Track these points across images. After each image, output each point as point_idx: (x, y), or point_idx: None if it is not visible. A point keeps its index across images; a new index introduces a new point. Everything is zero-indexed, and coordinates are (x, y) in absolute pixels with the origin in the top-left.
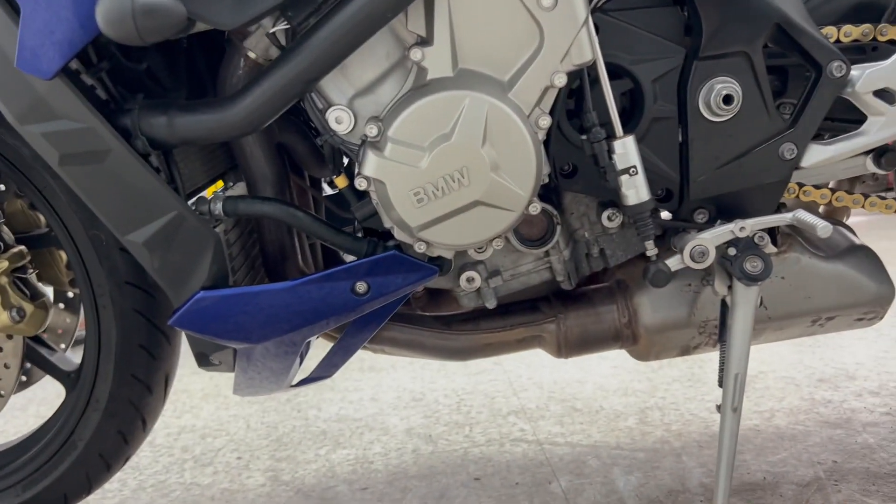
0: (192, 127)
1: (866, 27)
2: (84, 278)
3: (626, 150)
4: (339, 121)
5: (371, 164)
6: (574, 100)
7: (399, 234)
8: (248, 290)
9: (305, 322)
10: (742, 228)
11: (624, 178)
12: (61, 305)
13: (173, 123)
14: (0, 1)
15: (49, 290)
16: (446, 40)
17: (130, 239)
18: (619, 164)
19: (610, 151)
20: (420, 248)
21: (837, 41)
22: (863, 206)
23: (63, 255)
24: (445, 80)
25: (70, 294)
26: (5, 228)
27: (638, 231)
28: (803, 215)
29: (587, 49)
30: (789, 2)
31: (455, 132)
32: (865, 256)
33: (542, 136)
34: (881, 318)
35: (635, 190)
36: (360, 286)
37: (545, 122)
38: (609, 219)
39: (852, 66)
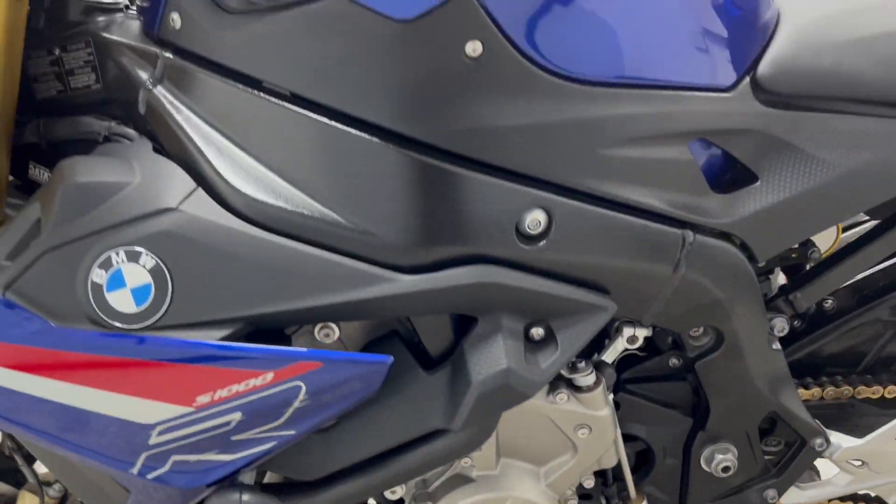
0: None
1: (846, 388)
2: None
3: None
4: None
5: None
6: None
7: None
8: None
9: None
10: None
11: None
12: None
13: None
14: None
15: None
16: (492, 446)
17: None
18: None
19: None
20: None
21: (821, 398)
22: None
23: None
24: (490, 477)
25: None
26: None
27: None
28: None
29: (614, 457)
30: (785, 391)
31: None
32: None
33: None
34: None
35: None
36: None
37: None
38: None
39: (830, 436)
